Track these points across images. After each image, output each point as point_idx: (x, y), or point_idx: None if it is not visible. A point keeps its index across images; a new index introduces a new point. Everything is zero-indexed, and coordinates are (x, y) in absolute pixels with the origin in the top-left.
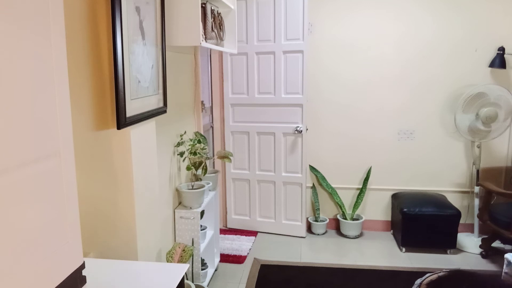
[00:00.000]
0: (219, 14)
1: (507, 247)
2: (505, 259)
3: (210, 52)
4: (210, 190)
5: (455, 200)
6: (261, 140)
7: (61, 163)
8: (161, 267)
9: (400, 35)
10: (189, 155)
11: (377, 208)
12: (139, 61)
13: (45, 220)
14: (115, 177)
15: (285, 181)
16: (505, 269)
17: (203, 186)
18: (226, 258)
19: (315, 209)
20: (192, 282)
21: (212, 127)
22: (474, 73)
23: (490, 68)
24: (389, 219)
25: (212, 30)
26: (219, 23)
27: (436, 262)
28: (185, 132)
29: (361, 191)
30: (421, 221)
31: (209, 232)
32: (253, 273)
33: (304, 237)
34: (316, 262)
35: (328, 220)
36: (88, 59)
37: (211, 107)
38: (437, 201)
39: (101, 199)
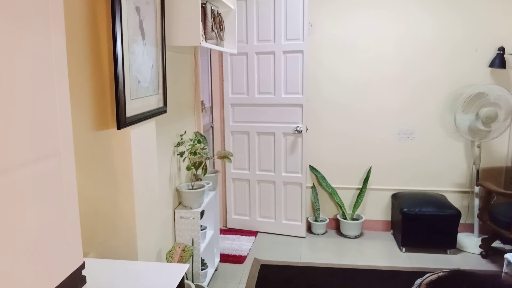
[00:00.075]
0: (219, 14)
1: (507, 247)
2: (505, 259)
3: (210, 52)
4: (210, 190)
5: (455, 200)
6: (261, 140)
7: (61, 163)
8: (161, 267)
9: (400, 35)
10: (189, 155)
11: (377, 208)
12: (139, 61)
13: (45, 220)
14: (115, 177)
15: (285, 181)
16: (505, 269)
17: (203, 186)
18: (226, 258)
19: (315, 209)
20: (192, 282)
21: (212, 127)
22: (474, 73)
23: (490, 68)
24: (389, 219)
25: (212, 30)
26: (219, 23)
27: (436, 262)
28: (185, 132)
29: (361, 191)
30: (421, 221)
31: (209, 232)
32: (253, 273)
33: (304, 237)
34: (316, 262)
35: (328, 220)
36: (88, 59)
37: (211, 107)
38: (437, 201)
39: (101, 199)
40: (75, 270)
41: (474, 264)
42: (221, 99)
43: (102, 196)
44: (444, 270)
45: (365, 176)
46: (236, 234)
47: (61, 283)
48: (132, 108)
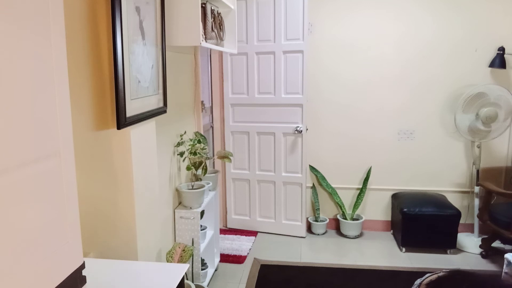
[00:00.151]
0: (219, 14)
1: (507, 247)
2: (505, 259)
3: (210, 52)
4: (210, 190)
5: (455, 200)
6: (261, 140)
7: (61, 163)
8: (161, 267)
9: (400, 35)
10: (189, 155)
11: (377, 208)
12: (139, 61)
13: (45, 220)
14: (115, 177)
15: (285, 181)
16: (505, 269)
17: (203, 186)
18: (226, 258)
19: (315, 209)
20: (192, 282)
21: (212, 127)
22: (474, 73)
23: (490, 68)
24: (389, 219)
25: (212, 30)
26: (219, 23)
27: (436, 262)
28: (185, 132)
29: (361, 191)
30: (421, 221)
31: (209, 232)
32: (253, 273)
33: (304, 237)
34: (316, 262)
35: (328, 220)
36: (88, 59)
37: (211, 107)
38: (437, 201)
39: (101, 199)
40: (75, 270)
41: (474, 264)
42: (221, 99)
43: (102, 196)
44: (444, 270)
45: (365, 176)
46: (236, 234)
47: (61, 283)
48: (132, 108)
